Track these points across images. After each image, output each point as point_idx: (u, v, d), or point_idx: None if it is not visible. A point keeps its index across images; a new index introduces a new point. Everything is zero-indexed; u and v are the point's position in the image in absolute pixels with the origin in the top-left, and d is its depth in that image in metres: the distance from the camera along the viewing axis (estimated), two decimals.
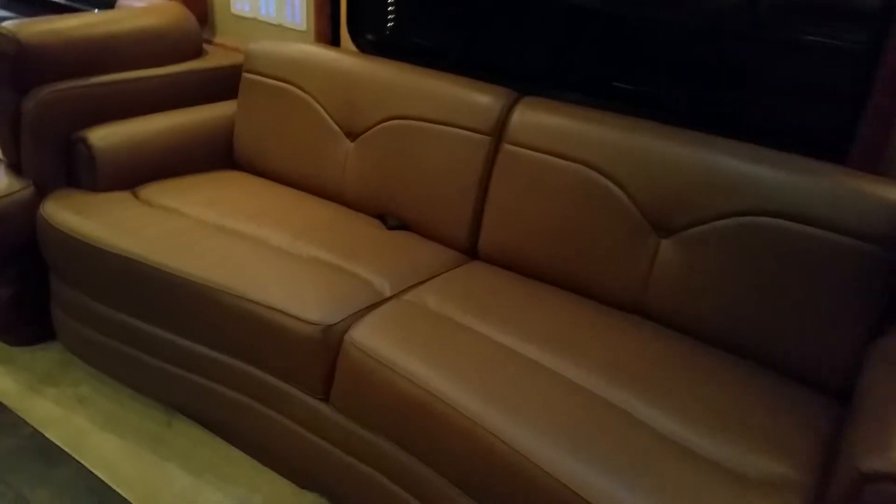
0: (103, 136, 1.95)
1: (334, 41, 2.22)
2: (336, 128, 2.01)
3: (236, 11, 2.46)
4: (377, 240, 1.86)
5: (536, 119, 1.73)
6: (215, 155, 2.21)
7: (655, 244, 1.57)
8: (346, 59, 2.05)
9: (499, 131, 1.77)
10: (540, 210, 1.70)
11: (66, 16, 2.05)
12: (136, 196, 1.95)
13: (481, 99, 1.82)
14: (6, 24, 1.86)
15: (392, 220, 1.95)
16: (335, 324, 1.44)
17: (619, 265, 1.61)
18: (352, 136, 2.00)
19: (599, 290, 1.64)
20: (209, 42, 2.48)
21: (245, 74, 2.17)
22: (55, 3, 2.77)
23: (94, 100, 1.99)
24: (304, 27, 2.29)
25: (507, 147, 1.75)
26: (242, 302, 1.52)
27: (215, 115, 2.22)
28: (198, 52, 2.32)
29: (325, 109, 2.03)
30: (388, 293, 1.59)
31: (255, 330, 1.51)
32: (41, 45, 1.87)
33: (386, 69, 1.98)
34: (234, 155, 2.22)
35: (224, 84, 2.32)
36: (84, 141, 1.92)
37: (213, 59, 2.33)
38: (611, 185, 1.61)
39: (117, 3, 2.54)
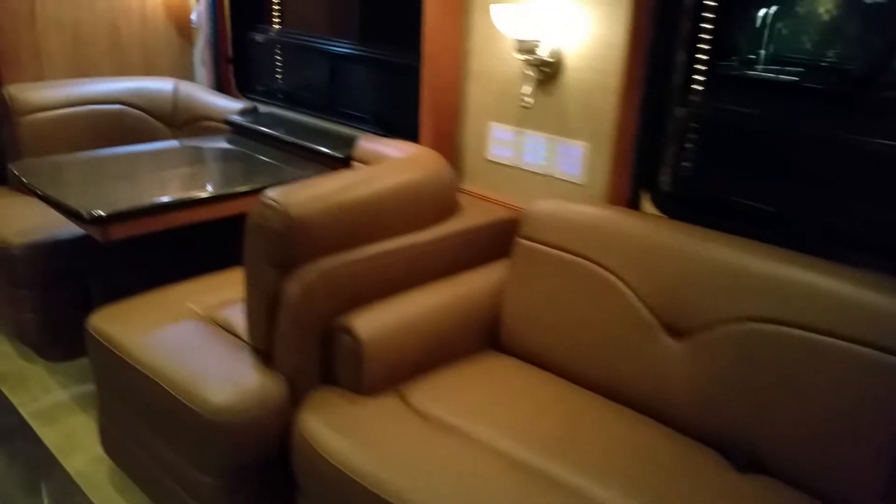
0: (369, 325, 1.60)
1: (632, 202, 1.81)
2: (652, 320, 1.56)
3: (492, 157, 2.13)
4: (733, 496, 1.34)
5: None
6: (478, 334, 1.82)
7: None
8: (665, 230, 1.60)
9: None
10: None
11: (326, 178, 1.77)
12: (405, 401, 1.56)
13: (890, 304, 1.31)
14: (270, 193, 1.59)
15: (739, 455, 1.43)
16: None
17: None
18: (677, 333, 1.53)
19: None
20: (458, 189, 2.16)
21: (521, 241, 1.79)
22: (277, 137, 2.59)
23: (357, 277, 1.67)
24: (581, 180, 1.90)
25: None
26: None
27: (478, 287, 1.84)
28: (454, 207, 1.99)
29: (636, 295, 1.58)
30: None
31: None
32: (310, 218, 1.58)
33: (729, 248, 1.50)
34: (500, 335, 1.82)
35: (484, 244, 1.97)
36: (349, 331, 1.58)
37: (473, 216, 1.98)
38: None
39: (358, 143, 2.30)
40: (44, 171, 2.20)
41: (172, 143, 2.59)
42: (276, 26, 2.94)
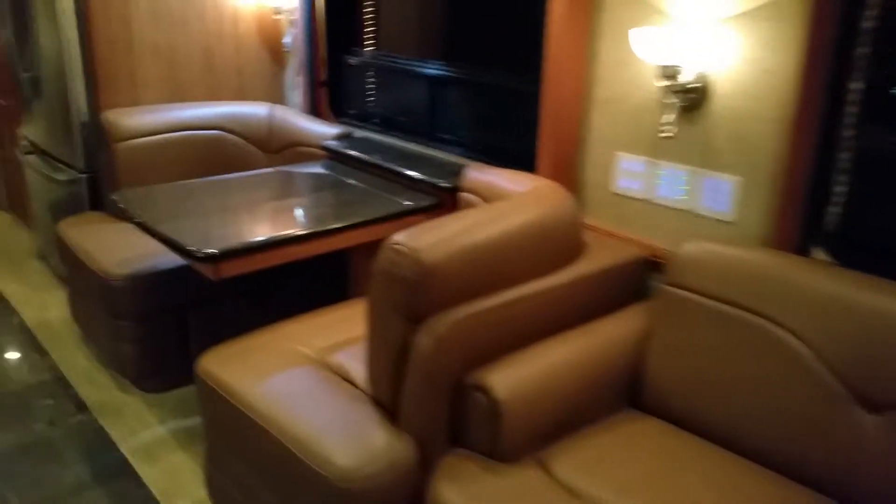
0: (505, 382, 1.45)
1: (800, 247, 1.60)
2: (840, 389, 1.35)
3: (619, 190, 1.95)
4: None
5: None
6: (616, 391, 1.64)
7: None
8: (855, 284, 1.39)
9: None
10: None
11: (450, 218, 1.63)
12: (548, 472, 1.40)
13: None
14: (399, 238, 1.46)
15: None
16: None
17: None
18: (873, 406, 1.31)
19: None
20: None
21: (668, 288, 1.62)
22: (378, 164, 2.46)
23: (488, 328, 1.52)
24: (731, 217, 1.71)
25: None
26: None
27: (614, 337, 1.67)
28: (581, 246, 1.83)
29: (819, 358, 1.37)
30: None
31: None
32: (443, 265, 1.44)
33: None
34: (641, 393, 1.64)
35: (615, 286, 1.80)
36: (484, 389, 1.43)
37: (602, 255, 1.81)
38: None
39: (465, 173, 2.16)
40: (145, 202, 2.14)
41: (270, 171, 2.51)
42: (370, 48, 2.84)
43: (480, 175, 2.13)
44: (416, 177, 2.28)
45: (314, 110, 2.88)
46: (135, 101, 2.72)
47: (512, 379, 1.47)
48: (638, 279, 1.89)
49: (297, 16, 2.83)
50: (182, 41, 2.78)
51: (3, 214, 4.06)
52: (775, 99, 1.58)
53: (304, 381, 1.66)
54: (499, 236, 1.58)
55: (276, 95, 3.06)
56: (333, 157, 2.59)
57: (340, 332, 1.87)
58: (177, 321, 2.33)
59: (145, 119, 2.62)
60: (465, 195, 2.16)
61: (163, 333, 2.31)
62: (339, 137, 2.64)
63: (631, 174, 1.92)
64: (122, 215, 2.06)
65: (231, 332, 2.46)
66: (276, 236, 1.88)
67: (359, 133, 2.74)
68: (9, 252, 3.57)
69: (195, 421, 2.27)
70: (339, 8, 2.81)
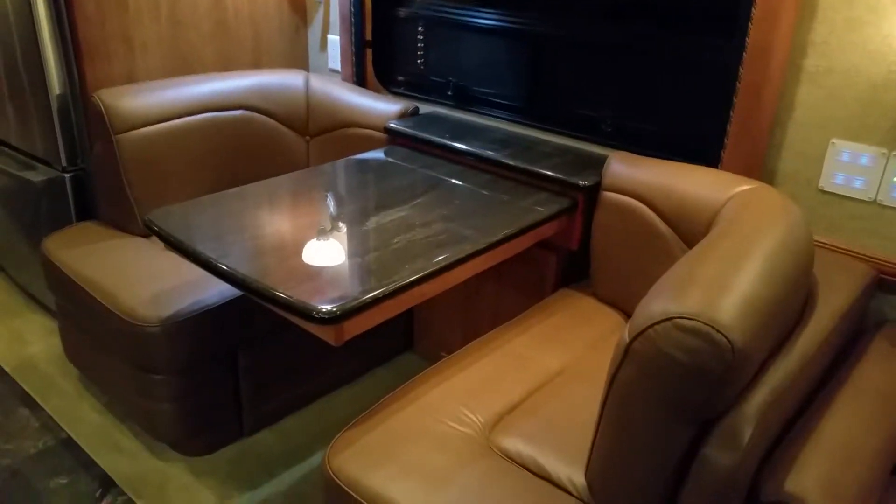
0: (818, 490, 1.04)
1: None
2: None
3: (830, 187, 1.53)
4: None
5: None
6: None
7: None
8: None
9: None
10: None
11: (693, 258, 1.18)
12: None
13: None
14: (675, 306, 0.98)
15: None
16: None
17: None
18: None
19: None
20: None
21: None
22: (464, 151, 1.95)
23: (777, 414, 1.10)
24: None
25: None
26: None
27: (881, 392, 1.29)
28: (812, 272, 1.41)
29: None
30: None
31: None
32: (753, 340, 0.98)
33: None
34: None
35: (852, 320, 1.41)
36: None
37: (837, 281, 1.39)
38: None
39: (609, 166, 1.68)
40: (191, 224, 1.54)
41: (331, 166, 1.92)
42: None
43: (636, 170, 1.65)
44: (537, 172, 1.77)
45: (359, 79, 2.29)
46: (130, 72, 2.06)
47: (822, 483, 1.06)
48: (866, 305, 1.50)
49: None
50: None
51: None
52: None
53: (495, 486, 1.19)
54: (773, 277, 1.13)
55: (296, 59, 2.44)
56: (400, 142, 2.04)
57: (491, 398, 1.42)
58: (225, 367, 1.80)
59: (153, 99, 1.95)
60: (610, 196, 1.69)
61: (209, 384, 1.78)
62: (404, 115, 2.09)
63: (850, 168, 1.50)
64: (195, 262, 1.44)
65: (287, 371, 1.95)
66: (407, 279, 1.36)
67: (423, 108, 2.19)
68: None
69: (267, 492, 1.78)
70: None
